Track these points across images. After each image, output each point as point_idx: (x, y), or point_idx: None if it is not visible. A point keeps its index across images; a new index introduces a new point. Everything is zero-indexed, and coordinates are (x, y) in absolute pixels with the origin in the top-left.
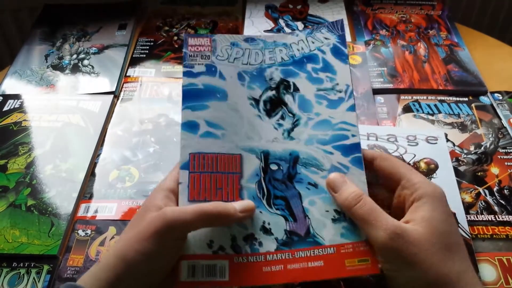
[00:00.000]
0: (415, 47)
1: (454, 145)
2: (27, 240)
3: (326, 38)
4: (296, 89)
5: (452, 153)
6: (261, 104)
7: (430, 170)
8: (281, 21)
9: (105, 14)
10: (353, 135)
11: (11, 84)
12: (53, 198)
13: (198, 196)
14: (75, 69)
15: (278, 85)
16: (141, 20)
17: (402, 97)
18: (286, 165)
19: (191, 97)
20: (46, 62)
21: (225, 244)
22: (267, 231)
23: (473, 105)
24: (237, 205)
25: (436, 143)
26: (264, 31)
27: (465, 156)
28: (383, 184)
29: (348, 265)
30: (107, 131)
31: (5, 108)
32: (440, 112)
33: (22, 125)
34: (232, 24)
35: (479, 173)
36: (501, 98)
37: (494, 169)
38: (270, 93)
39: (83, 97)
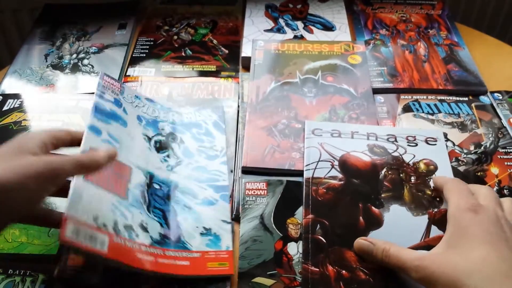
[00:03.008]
0: (415, 46)
1: (454, 144)
2: (27, 239)
3: (209, 115)
4: (182, 141)
5: (452, 152)
6: (152, 142)
7: (429, 171)
8: (281, 21)
9: (105, 14)
10: (223, 180)
11: (10, 84)
12: (53, 197)
13: (92, 178)
14: (75, 68)
15: (167, 135)
16: (141, 20)
17: (402, 96)
18: (167, 188)
19: (100, 112)
20: (46, 61)
21: (108, 224)
22: (144, 228)
23: (473, 104)
24: (103, 153)
25: (435, 144)
26: (264, 30)
27: (465, 156)
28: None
29: (210, 267)
30: None
31: (5, 108)
32: (440, 111)
33: (22, 124)
34: (232, 23)
35: (479, 173)
36: (501, 97)
37: (494, 169)
38: (161, 138)
39: (83, 97)
